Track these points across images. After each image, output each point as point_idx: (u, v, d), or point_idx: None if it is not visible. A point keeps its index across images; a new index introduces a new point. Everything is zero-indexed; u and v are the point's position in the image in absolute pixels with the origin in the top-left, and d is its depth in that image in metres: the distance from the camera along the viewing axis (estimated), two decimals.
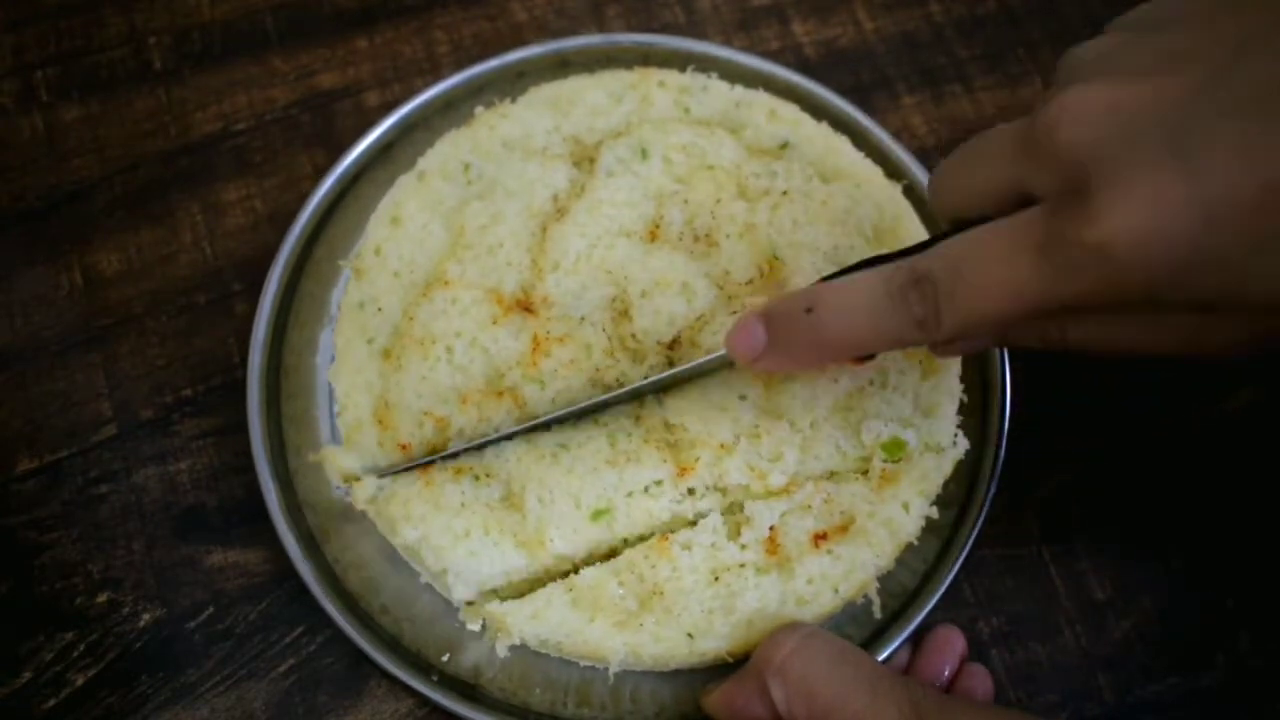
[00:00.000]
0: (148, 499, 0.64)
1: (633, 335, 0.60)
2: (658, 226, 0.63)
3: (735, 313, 0.59)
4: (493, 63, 0.70)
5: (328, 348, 0.65)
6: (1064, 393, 0.67)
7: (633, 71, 0.68)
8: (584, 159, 0.66)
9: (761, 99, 0.67)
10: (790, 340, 0.51)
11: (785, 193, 0.63)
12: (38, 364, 0.67)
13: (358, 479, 0.59)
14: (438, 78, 0.75)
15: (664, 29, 0.77)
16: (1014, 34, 0.77)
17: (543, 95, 0.67)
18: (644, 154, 0.65)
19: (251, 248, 0.70)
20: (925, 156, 0.72)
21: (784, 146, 0.66)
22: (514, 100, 0.67)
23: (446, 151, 0.66)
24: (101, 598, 0.62)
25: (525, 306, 0.61)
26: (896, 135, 0.73)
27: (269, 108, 0.74)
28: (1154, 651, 0.61)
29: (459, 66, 0.75)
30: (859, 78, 0.76)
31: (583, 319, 0.61)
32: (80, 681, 0.60)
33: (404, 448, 0.59)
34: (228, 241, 0.70)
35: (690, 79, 0.68)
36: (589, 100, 0.67)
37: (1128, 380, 0.68)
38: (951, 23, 0.78)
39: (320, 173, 0.72)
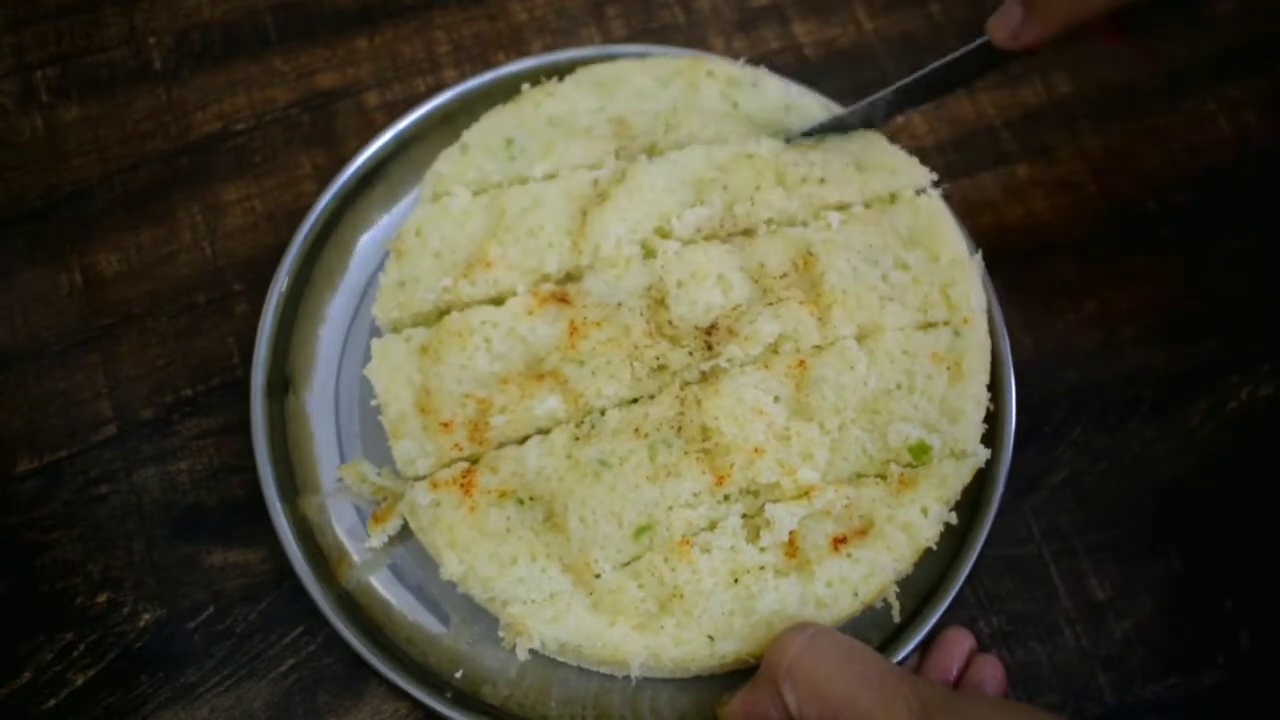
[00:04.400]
0: (148, 499, 0.64)
1: (669, 322, 0.60)
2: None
3: (771, 304, 0.61)
4: (501, 71, 0.70)
5: (333, 344, 0.65)
6: (1064, 392, 0.67)
7: (682, 59, 0.69)
8: (627, 140, 0.66)
9: (814, 103, 0.68)
10: (1047, 3, 0.55)
11: (823, 180, 0.64)
12: (38, 364, 0.67)
13: (384, 496, 0.60)
14: (438, 78, 0.75)
15: (664, 29, 0.77)
16: None
17: (591, 76, 0.68)
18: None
19: (251, 248, 0.70)
20: (925, 157, 0.72)
21: (823, 138, 0.67)
22: (561, 79, 0.68)
23: (491, 125, 0.66)
24: (101, 598, 0.62)
25: (560, 298, 0.61)
26: (896, 135, 0.73)
27: (269, 108, 0.74)
28: (1154, 651, 0.61)
29: (459, 66, 0.76)
30: (859, 78, 0.75)
31: (620, 305, 0.61)
32: (80, 681, 0.60)
33: (446, 426, 0.58)
34: (228, 241, 0.70)
35: (741, 71, 0.68)
36: (635, 83, 0.68)
37: (1127, 380, 0.68)
38: (951, 23, 0.78)
39: (320, 172, 0.72)
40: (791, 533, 0.56)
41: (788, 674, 0.51)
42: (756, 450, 0.57)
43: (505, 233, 0.62)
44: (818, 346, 0.60)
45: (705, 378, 0.60)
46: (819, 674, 0.50)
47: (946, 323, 0.61)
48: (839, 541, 0.57)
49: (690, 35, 0.77)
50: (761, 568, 0.56)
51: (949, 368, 0.60)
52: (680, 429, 0.58)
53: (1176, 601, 0.62)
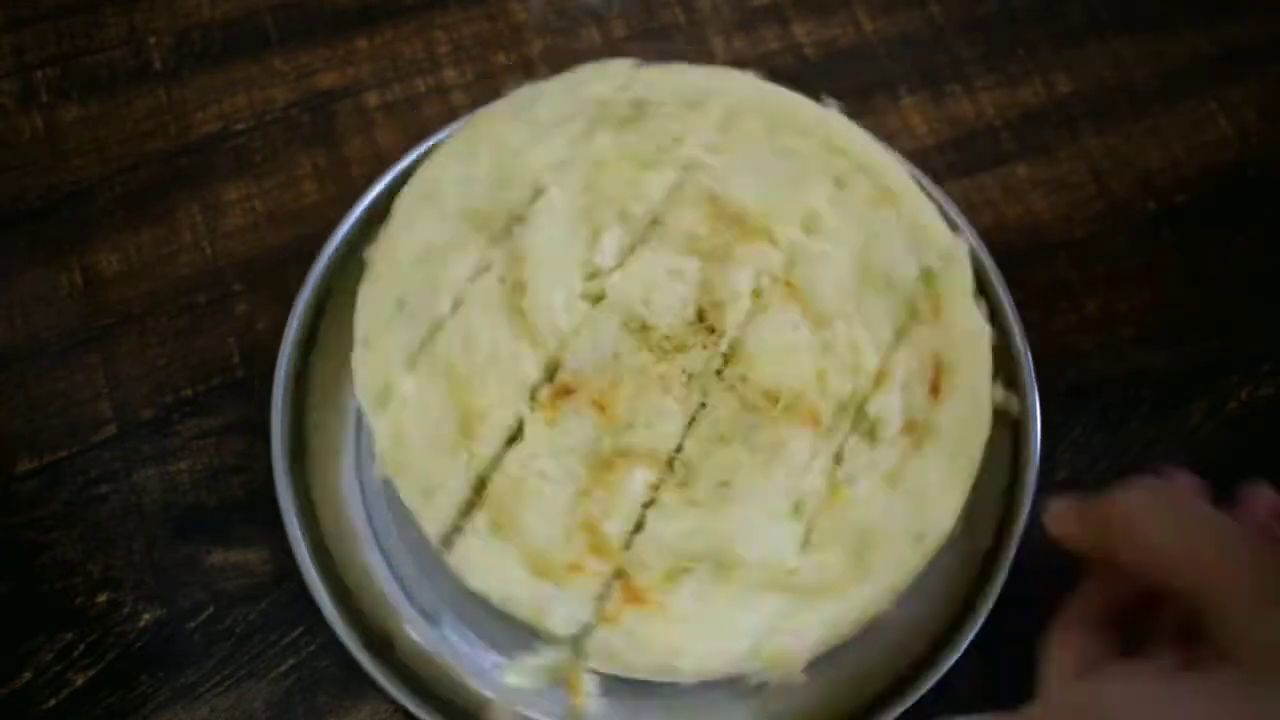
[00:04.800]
0: (148, 499, 0.64)
1: (665, 337, 0.59)
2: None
3: (723, 260, 0.60)
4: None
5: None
6: (1064, 393, 0.67)
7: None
8: (488, 221, 0.62)
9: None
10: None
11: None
12: (38, 364, 0.67)
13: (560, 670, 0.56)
14: (438, 78, 0.75)
15: (664, 29, 0.77)
16: (1014, 34, 0.77)
17: (450, 149, 0.64)
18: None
19: (251, 248, 0.70)
20: (925, 156, 0.72)
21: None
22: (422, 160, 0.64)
23: (374, 300, 0.60)
24: (101, 598, 0.62)
25: (564, 391, 0.57)
26: (897, 135, 0.73)
27: (269, 108, 0.74)
28: None
29: (459, 66, 0.76)
30: (859, 78, 0.75)
31: (615, 356, 0.58)
32: (80, 681, 0.60)
33: (574, 568, 0.54)
34: (228, 241, 0.70)
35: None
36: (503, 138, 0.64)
37: (1127, 380, 0.68)
38: (951, 23, 0.78)
39: (320, 172, 0.72)
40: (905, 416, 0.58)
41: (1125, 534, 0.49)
42: (819, 377, 0.57)
43: (467, 378, 0.58)
44: (788, 266, 0.60)
45: (729, 358, 0.59)
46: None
47: (860, 169, 0.63)
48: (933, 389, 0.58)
49: (690, 35, 0.77)
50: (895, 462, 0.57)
51: (887, 201, 0.62)
52: (750, 410, 0.58)
53: None
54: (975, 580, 0.60)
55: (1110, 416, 0.67)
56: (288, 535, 0.59)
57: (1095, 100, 0.75)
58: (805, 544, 0.55)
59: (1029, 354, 0.62)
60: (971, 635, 0.57)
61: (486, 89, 0.75)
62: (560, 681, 0.56)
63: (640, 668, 0.54)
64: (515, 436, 0.57)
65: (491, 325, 0.59)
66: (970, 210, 0.67)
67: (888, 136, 0.72)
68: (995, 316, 0.63)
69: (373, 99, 0.75)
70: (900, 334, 0.59)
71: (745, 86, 0.66)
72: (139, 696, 0.60)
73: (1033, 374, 0.62)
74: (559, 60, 0.76)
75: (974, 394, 0.58)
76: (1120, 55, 0.77)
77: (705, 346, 0.59)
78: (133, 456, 0.65)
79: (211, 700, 0.60)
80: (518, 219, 0.61)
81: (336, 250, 0.65)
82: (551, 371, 0.59)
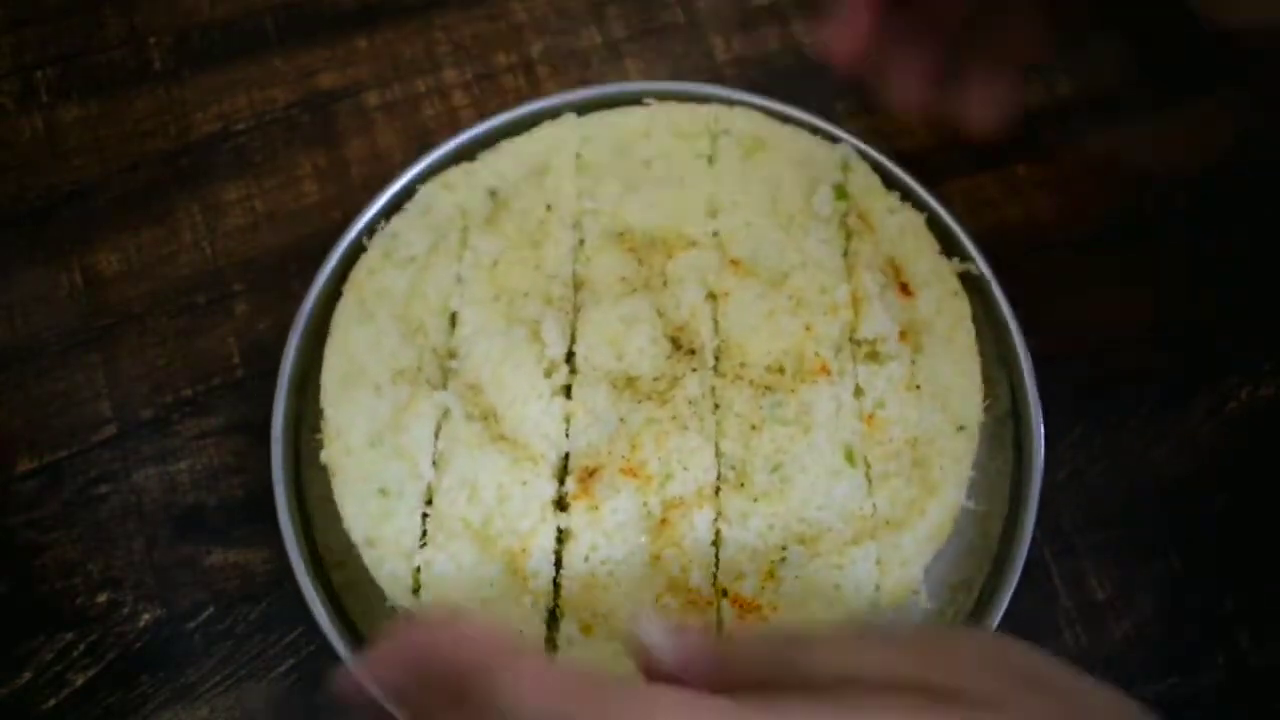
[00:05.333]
0: (148, 499, 0.64)
1: (654, 379, 0.59)
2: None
3: (668, 281, 0.61)
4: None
5: None
6: (1064, 392, 0.67)
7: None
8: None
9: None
10: None
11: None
12: (38, 364, 0.67)
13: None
14: (438, 78, 0.75)
15: (664, 29, 0.77)
16: None
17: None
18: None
19: (251, 248, 0.70)
20: (925, 156, 0.72)
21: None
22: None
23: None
24: (101, 598, 0.62)
25: (588, 475, 0.56)
26: (896, 135, 0.73)
27: (269, 108, 0.74)
28: (1154, 651, 0.61)
29: (459, 66, 0.76)
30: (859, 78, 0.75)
31: (620, 420, 0.58)
32: (80, 681, 0.60)
33: (691, 601, 0.54)
34: (228, 241, 0.70)
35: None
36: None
37: (1127, 380, 0.68)
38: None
39: (320, 172, 0.72)
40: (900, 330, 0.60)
41: None
42: (807, 329, 0.59)
43: (487, 525, 0.56)
44: (721, 252, 0.62)
45: (719, 361, 0.60)
46: None
47: (720, 136, 0.65)
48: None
49: (690, 35, 0.77)
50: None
51: (760, 148, 0.64)
52: (764, 390, 0.59)
53: (1176, 601, 0.62)
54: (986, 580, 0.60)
55: (1110, 416, 0.67)
56: (284, 540, 0.58)
57: (1095, 100, 0.75)
58: (869, 484, 0.57)
59: (1028, 356, 0.62)
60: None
61: (486, 89, 0.75)
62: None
63: None
64: (563, 538, 0.56)
65: (484, 466, 0.56)
66: (970, 210, 0.67)
67: (888, 136, 0.73)
68: (993, 313, 0.64)
69: (373, 99, 0.75)
70: (851, 256, 0.62)
71: (566, 127, 0.66)
72: (139, 696, 0.60)
73: (1033, 375, 0.62)
74: (559, 60, 0.76)
75: (939, 275, 0.62)
76: (1120, 55, 0.77)
77: (695, 369, 0.59)
78: (133, 456, 0.65)
79: (211, 700, 0.60)
80: (450, 355, 0.60)
81: (349, 246, 0.65)
82: (563, 472, 0.57)
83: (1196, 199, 0.73)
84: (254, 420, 0.65)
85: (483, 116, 0.68)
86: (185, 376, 0.67)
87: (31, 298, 0.68)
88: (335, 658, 0.60)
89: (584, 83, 0.75)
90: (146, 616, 0.61)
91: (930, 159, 0.72)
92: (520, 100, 0.70)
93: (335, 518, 0.57)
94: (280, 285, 0.69)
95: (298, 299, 0.68)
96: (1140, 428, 0.67)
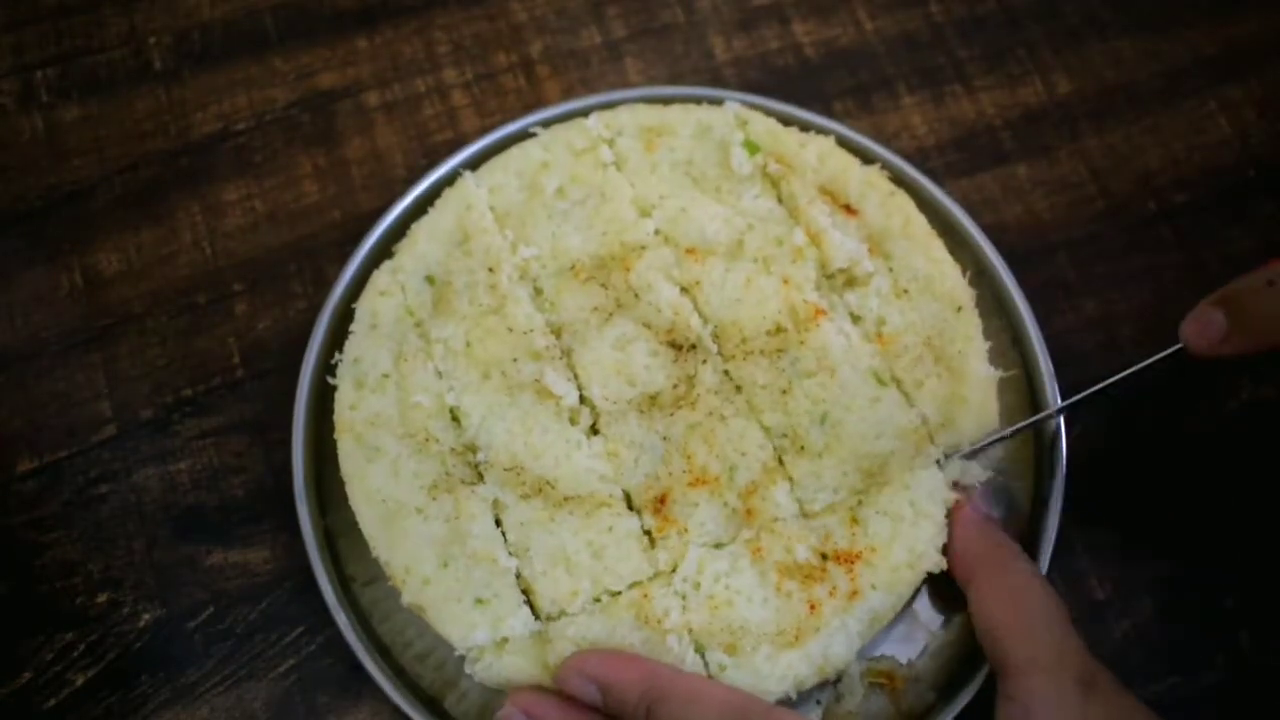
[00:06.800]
0: (148, 499, 0.64)
1: (674, 387, 0.59)
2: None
3: (655, 312, 0.61)
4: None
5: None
6: (1064, 393, 0.67)
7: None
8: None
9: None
10: (1256, 316, 0.52)
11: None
12: (38, 364, 0.67)
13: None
14: (438, 78, 0.75)
15: (664, 29, 0.77)
16: (1014, 34, 0.77)
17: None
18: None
19: (251, 248, 0.70)
20: (925, 156, 0.72)
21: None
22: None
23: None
24: (101, 598, 0.62)
25: (659, 505, 0.57)
26: (896, 135, 0.73)
27: (269, 108, 0.74)
28: (1154, 651, 0.61)
29: (459, 66, 0.76)
30: (859, 78, 0.75)
31: (665, 439, 0.58)
32: (80, 681, 0.60)
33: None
34: (228, 241, 0.70)
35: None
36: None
37: (1126, 381, 0.68)
38: (951, 23, 0.78)
39: (320, 172, 0.72)
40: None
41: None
42: (785, 282, 0.61)
43: (576, 586, 0.55)
44: (673, 245, 0.63)
45: (721, 345, 0.60)
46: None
47: (616, 138, 0.66)
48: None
49: (690, 35, 0.77)
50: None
51: (657, 134, 0.66)
52: (773, 354, 0.60)
53: (1176, 601, 0.62)
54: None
55: (1110, 416, 0.67)
56: (301, 529, 0.59)
57: (1095, 100, 0.75)
58: (906, 396, 0.59)
59: (1047, 354, 0.64)
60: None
61: (486, 89, 0.75)
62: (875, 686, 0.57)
63: (908, 588, 0.55)
64: (670, 568, 0.55)
65: (565, 534, 0.56)
66: (970, 210, 0.67)
67: (888, 136, 0.73)
68: (1005, 307, 0.65)
69: (373, 99, 0.75)
70: (787, 200, 0.63)
71: (465, 188, 0.65)
72: (139, 696, 0.60)
73: (1053, 375, 0.63)
74: (559, 60, 0.76)
75: (870, 184, 0.64)
76: (1120, 55, 0.77)
77: (704, 361, 0.59)
78: (133, 456, 0.65)
79: (211, 700, 0.60)
80: (471, 450, 0.58)
81: (370, 249, 0.65)
82: (639, 509, 0.57)
83: (1196, 199, 0.73)
84: (254, 420, 0.65)
85: (485, 124, 0.68)
86: (185, 376, 0.67)
87: (31, 298, 0.68)
88: (335, 658, 0.60)
89: (583, 83, 0.75)
90: (146, 616, 0.61)
91: (930, 159, 0.72)
92: (524, 110, 0.70)
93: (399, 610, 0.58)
94: (280, 285, 0.69)
95: (297, 299, 0.69)
96: (1140, 428, 0.67)
